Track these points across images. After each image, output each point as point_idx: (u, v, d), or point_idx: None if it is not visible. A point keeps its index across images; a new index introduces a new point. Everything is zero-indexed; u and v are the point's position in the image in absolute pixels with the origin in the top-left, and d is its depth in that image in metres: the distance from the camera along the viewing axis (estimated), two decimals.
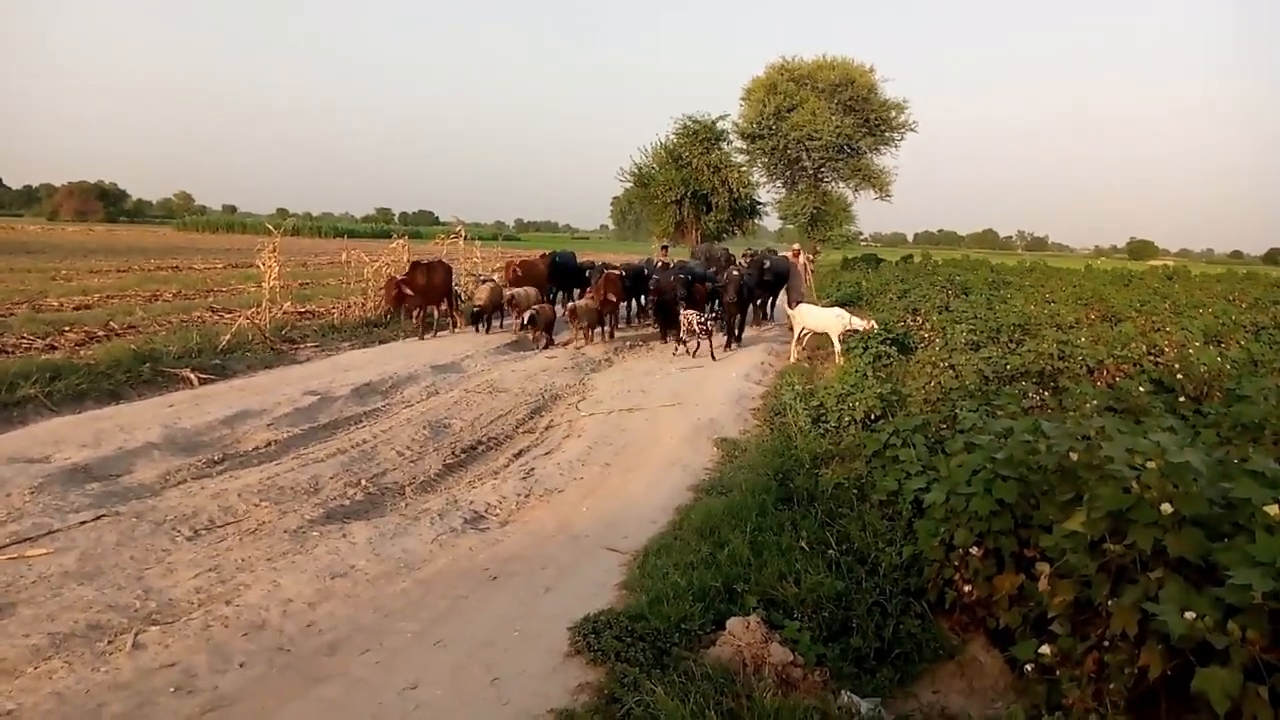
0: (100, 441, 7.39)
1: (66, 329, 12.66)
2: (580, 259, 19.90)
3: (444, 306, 15.81)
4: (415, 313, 15.20)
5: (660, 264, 18.09)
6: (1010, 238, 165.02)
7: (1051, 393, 7.63)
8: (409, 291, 14.42)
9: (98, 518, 5.86)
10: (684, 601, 4.64)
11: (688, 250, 32.20)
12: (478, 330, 15.70)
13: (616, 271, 16.70)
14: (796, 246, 18.85)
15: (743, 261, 19.13)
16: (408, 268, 15.19)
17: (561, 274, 18.53)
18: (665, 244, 23.16)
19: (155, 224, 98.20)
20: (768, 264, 17.81)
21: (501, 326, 16.23)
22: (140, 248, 42.24)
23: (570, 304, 15.34)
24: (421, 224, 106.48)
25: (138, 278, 23.12)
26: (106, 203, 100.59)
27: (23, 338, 11.71)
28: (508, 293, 15.42)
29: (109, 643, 4.30)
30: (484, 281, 16.38)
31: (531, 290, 15.63)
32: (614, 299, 15.56)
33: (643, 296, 18.21)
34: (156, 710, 3.76)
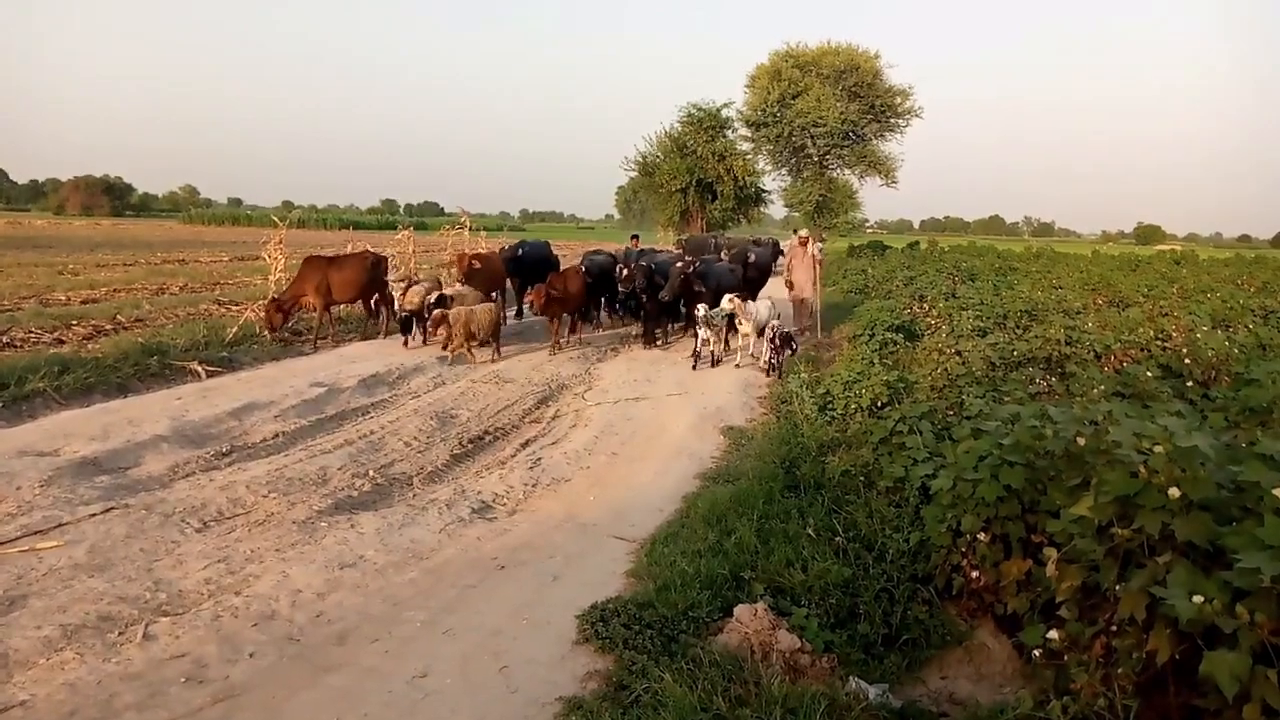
0: (109, 434, 7.43)
1: (74, 323, 12.71)
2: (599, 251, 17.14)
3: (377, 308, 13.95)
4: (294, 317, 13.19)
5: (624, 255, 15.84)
6: (1017, 224, 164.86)
7: (1059, 378, 7.62)
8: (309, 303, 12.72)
9: (107, 510, 5.89)
10: (691, 589, 4.66)
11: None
12: (407, 342, 12.92)
13: (576, 265, 14.42)
14: (803, 233, 15.52)
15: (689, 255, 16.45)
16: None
17: (528, 268, 15.83)
18: (635, 233, 20.13)
19: (161, 218, 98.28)
20: (751, 257, 15.77)
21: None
22: (146, 241, 42.27)
23: (439, 309, 11.86)
24: (427, 215, 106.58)
25: (144, 271, 23.16)
26: (112, 196, 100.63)
27: (31, 332, 11.75)
28: (438, 293, 12.72)
29: (120, 634, 4.33)
30: (414, 284, 13.13)
31: (467, 291, 13.05)
32: (556, 295, 12.78)
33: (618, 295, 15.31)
34: (167, 700, 3.78)
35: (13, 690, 3.78)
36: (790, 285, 15.34)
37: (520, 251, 16.39)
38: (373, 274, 13.52)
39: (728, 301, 11.65)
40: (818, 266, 15.18)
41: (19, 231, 47.75)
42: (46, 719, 3.60)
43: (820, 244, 15.98)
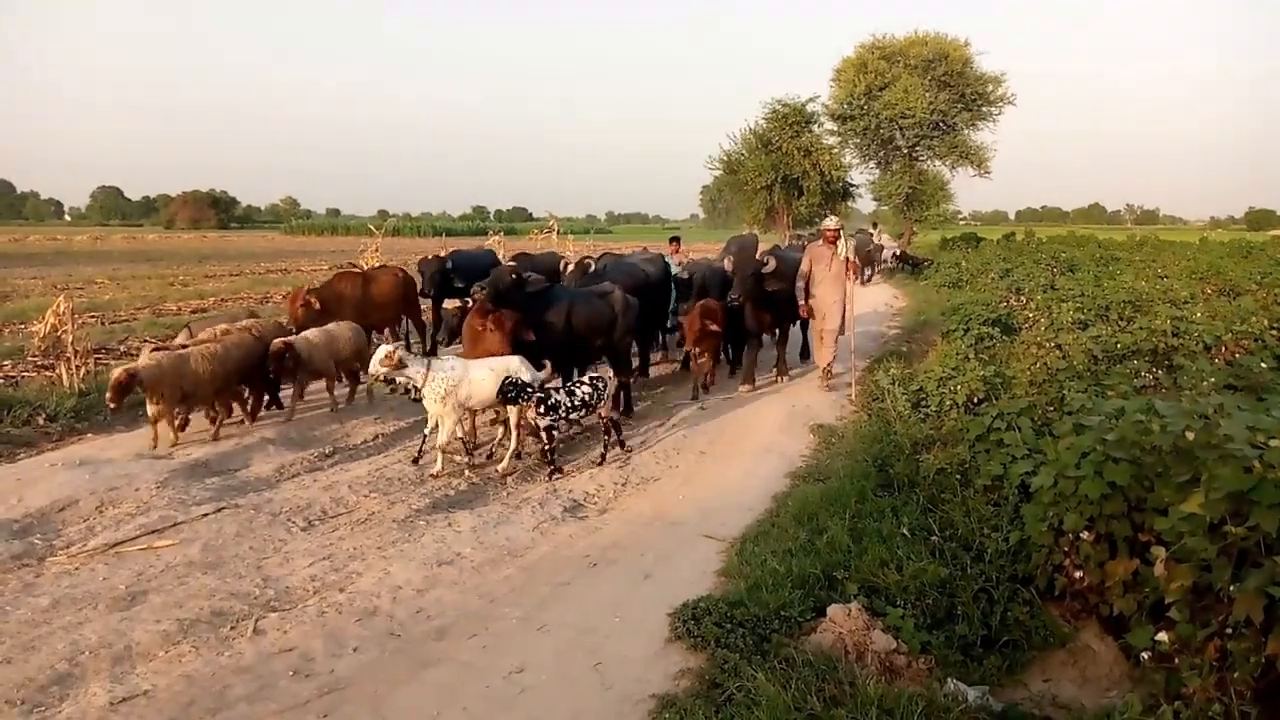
0: (219, 438, 7.76)
1: None
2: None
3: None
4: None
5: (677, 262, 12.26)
6: (1119, 211, 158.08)
7: (1165, 371, 7.30)
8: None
9: (219, 510, 6.18)
10: (783, 589, 4.62)
11: (780, 236, 31.81)
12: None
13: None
14: (830, 223, 10.57)
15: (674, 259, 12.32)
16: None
17: (462, 293, 10.58)
18: (675, 235, 14.20)
19: (264, 229, 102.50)
20: (768, 264, 10.09)
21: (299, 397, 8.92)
22: (250, 252, 44.10)
23: (126, 367, 7.17)
24: (516, 220, 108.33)
25: (249, 281, 24.15)
26: (218, 210, 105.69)
27: (145, 341, 12.31)
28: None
29: (231, 628, 4.54)
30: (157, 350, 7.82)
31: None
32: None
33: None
34: (276, 692, 3.95)
35: (136, 680, 4.00)
36: (810, 310, 10.36)
37: (449, 264, 11.28)
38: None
39: (378, 364, 6.92)
40: (850, 277, 10.19)
41: (134, 246, 50.48)
42: (167, 708, 3.80)
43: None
